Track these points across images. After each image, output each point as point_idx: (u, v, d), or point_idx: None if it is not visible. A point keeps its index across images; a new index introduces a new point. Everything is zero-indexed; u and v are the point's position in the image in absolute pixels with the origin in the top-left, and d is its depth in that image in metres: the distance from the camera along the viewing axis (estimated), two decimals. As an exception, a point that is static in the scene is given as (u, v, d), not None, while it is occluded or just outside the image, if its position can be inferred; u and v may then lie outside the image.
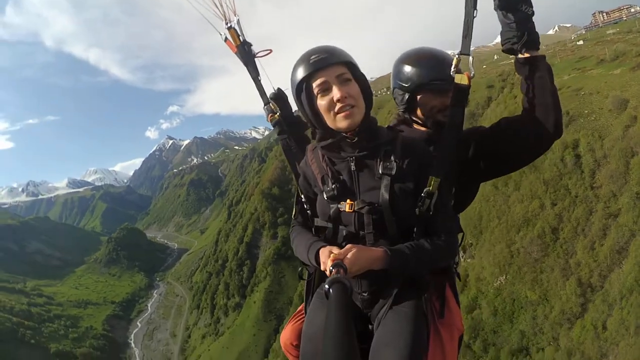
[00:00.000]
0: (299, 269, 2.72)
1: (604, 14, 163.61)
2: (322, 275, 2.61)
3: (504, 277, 47.10)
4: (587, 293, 39.90)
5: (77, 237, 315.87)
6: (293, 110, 3.14)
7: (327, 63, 2.17)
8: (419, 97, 2.86)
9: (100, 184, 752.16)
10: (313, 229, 2.60)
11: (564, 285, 41.65)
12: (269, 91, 3.16)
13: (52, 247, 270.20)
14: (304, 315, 2.70)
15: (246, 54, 2.99)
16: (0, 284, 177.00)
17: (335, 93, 2.17)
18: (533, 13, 2.35)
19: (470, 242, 53.38)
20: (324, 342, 1.20)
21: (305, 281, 2.73)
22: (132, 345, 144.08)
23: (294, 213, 2.78)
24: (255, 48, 3.06)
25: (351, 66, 2.24)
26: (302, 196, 2.65)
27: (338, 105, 2.19)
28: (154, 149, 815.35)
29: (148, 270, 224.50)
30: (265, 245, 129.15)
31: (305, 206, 2.66)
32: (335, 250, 2.08)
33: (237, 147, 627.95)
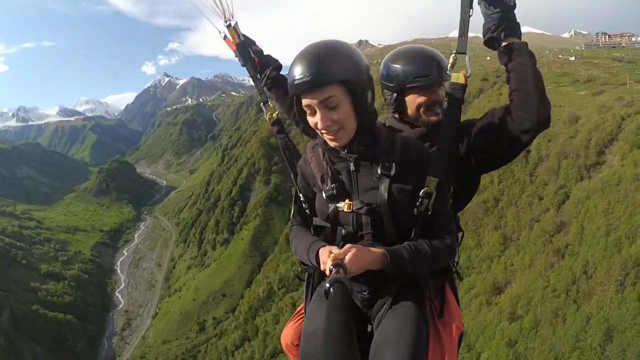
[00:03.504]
0: (298, 269, 2.89)
1: (607, 36, 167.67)
2: (322, 275, 2.67)
3: None
4: (507, 242, 56.81)
5: (67, 166, 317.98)
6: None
7: (310, 87, 2.03)
8: (406, 97, 2.90)
9: (91, 114, 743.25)
10: (312, 229, 2.65)
11: (492, 237, 58.54)
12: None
13: (42, 173, 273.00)
14: (304, 315, 2.79)
15: (245, 53, 3.12)
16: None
17: (318, 121, 2.12)
18: (515, 5, 2.38)
19: None
20: (324, 341, 1.21)
21: (305, 282, 2.84)
22: (118, 271, 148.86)
23: (292, 212, 2.84)
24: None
25: (344, 84, 2.06)
26: (301, 195, 2.70)
27: (322, 131, 2.16)
28: (149, 84, 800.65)
29: (136, 203, 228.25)
30: (258, 189, 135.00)
31: (303, 205, 2.71)
32: (335, 250, 2.06)
33: (234, 93, 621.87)
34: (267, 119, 3.07)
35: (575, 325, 35.88)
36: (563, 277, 42.59)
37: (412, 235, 2.31)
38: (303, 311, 2.83)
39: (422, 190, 2.26)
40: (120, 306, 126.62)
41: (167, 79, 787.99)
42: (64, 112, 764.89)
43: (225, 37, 3.14)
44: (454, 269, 2.91)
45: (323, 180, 2.40)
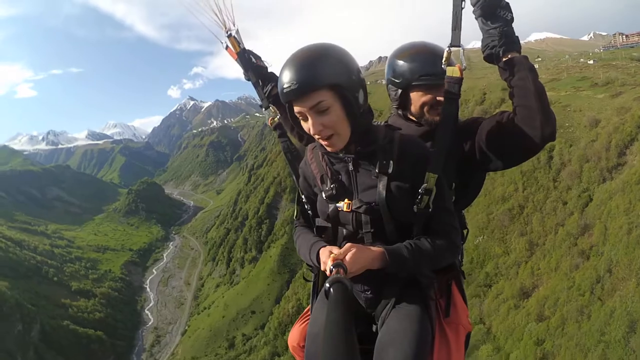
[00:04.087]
0: (304, 270, 2.95)
1: (624, 36, 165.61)
2: (325, 275, 2.39)
3: (482, 237, 63.50)
4: (533, 248, 56.96)
5: (96, 187, 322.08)
6: None
7: (299, 94, 2.03)
8: (411, 93, 2.87)
9: (119, 138, 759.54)
10: (314, 230, 2.68)
11: (518, 243, 58.75)
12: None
13: (72, 194, 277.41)
14: (309, 316, 2.80)
15: (245, 60, 3.14)
16: (22, 225, 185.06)
17: (310, 127, 2.12)
18: (512, 19, 2.38)
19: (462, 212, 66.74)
20: (323, 341, 1.20)
21: (312, 282, 2.87)
22: (148, 289, 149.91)
23: (295, 214, 2.86)
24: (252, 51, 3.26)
25: (334, 88, 2.04)
26: (303, 197, 2.72)
27: (316, 136, 2.16)
28: (175, 108, 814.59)
29: (164, 223, 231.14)
30: (285, 207, 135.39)
31: (306, 206, 2.73)
32: (335, 250, 2.07)
33: (257, 114, 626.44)
34: (269, 124, 3.06)
35: (600, 320, 36.48)
36: (587, 277, 43.09)
37: (413, 233, 2.29)
38: (309, 313, 2.85)
39: (422, 187, 2.23)
40: (150, 323, 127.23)
41: (192, 102, 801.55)
42: (93, 135, 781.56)
43: (227, 47, 3.16)
44: (460, 267, 2.89)
45: (323, 181, 2.41)
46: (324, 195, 2.39)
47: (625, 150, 53.51)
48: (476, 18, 2.45)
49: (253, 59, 3.18)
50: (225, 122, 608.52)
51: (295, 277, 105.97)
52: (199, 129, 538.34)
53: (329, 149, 2.25)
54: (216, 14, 2.99)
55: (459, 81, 2.44)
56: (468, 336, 2.63)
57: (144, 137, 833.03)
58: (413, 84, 2.77)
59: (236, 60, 3.14)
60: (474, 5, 2.40)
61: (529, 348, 40.74)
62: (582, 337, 36.93)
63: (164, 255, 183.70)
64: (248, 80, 3.18)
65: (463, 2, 2.36)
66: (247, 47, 3.20)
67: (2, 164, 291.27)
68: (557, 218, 56.44)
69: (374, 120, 2.43)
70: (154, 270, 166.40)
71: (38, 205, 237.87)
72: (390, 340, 2.13)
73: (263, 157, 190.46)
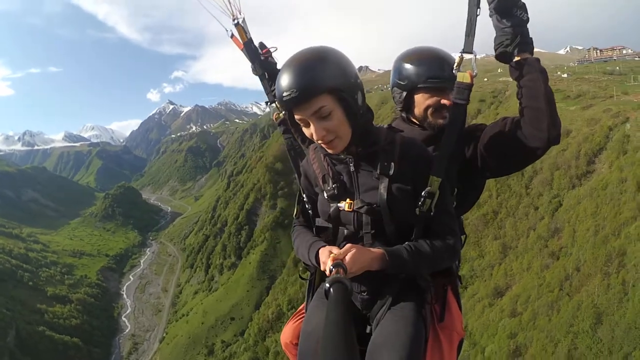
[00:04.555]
0: (300, 268, 2.91)
1: (598, 50, 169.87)
2: (323, 275, 2.69)
3: None
4: (506, 251, 60.26)
5: (72, 191, 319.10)
6: None
7: (299, 102, 2.02)
8: (415, 95, 2.88)
9: (96, 140, 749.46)
10: (314, 229, 2.67)
11: (492, 246, 62.22)
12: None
13: (48, 197, 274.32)
14: (304, 314, 2.82)
15: (252, 51, 3.10)
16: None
17: (312, 132, 2.11)
18: (528, 19, 2.37)
19: None
20: (323, 341, 1.19)
21: (307, 281, 2.85)
22: (125, 296, 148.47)
23: (295, 212, 2.85)
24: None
25: (333, 92, 2.03)
26: (304, 195, 2.73)
27: (318, 141, 2.16)
28: (154, 111, 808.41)
29: (142, 229, 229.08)
30: (265, 213, 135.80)
31: (306, 206, 2.73)
32: (335, 250, 2.07)
33: (237, 120, 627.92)
34: (274, 119, 3.11)
35: (568, 313, 40.34)
36: (557, 275, 46.73)
37: (414, 236, 2.30)
38: (304, 311, 2.89)
39: (425, 190, 2.24)
40: (127, 330, 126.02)
41: (171, 107, 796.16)
42: (70, 137, 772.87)
43: (232, 36, 3.16)
44: (456, 272, 2.92)
45: (325, 181, 2.42)
46: (325, 195, 2.40)
47: (594, 159, 57.73)
48: (491, 15, 2.44)
49: (260, 52, 3.19)
50: (205, 127, 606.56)
51: (275, 283, 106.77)
52: (178, 134, 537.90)
53: (330, 151, 2.25)
54: (224, 1, 3.00)
55: (469, 87, 2.45)
56: (461, 342, 2.65)
57: (121, 140, 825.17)
58: (419, 86, 2.83)
59: (242, 50, 3.16)
60: (490, 3, 2.39)
61: (502, 341, 44.01)
62: (552, 329, 40.48)
63: (141, 261, 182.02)
64: (256, 74, 3.19)
65: (478, 9, 2.37)
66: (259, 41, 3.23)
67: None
68: (529, 222, 60.22)
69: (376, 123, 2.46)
70: (130, 277, 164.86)
71: (13, 207, 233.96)
72: (383, 342, 2.11)
73: (243, 164, 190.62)
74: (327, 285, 1.60)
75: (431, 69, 2.73)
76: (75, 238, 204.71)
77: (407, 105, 2.94)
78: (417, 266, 2.20)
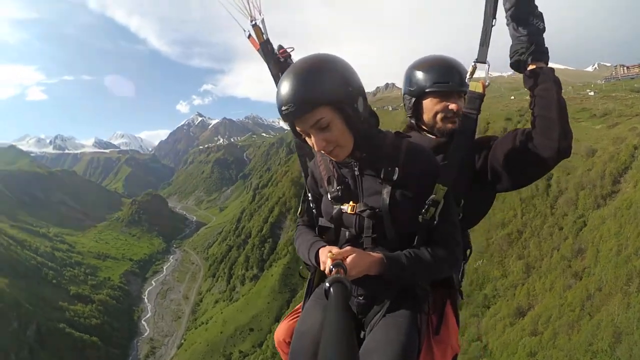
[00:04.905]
0: (300, 267, 2.90)
1: (625, 67, 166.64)
2: (322, 276, 2.69)
3: (481, 261, 65.08)
4: (530, 271, 58.91)
5: (100, 195, 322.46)
6: None
7: (298, 116, 2.03)
8: (424, 101, 2.89)
9: (125, 148, 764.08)
10: (317, 229, 2.67)
11: (516, 266, 60.98)
12: None
13: (76, 200, 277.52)
14: (300, 314, 2.79)
15: (268, 52, 3.09)
16: (25, 225, 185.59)
17: (313, 143, 2.14)
18: (544, 28, 2.36)
19: None
20: (323, 341, 1.17)
21: (307, 280, 2.83)
22: (146, 300, 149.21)
23: (299, 211, 2.87)
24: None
25: (331, 103, 2.02)
26: (309, 195, 2.74)
27: (320, 151, 2.20)
28: (183, 122, 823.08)
29: (166, 236, 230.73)
30: (289, 227, 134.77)
31: (311, 205, 2.74)
32: (335, 250, 2.07)
33: (264, 134, 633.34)
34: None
35: (588, 332, 39.65)
36: (579, 295, 45.92)
37: (415, 243, 2.26)
38: (300, 310, 2.84)
39: (429, 198, 2.21)
40: (146, 334, 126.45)
41: (200, 119, 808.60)
42: (100, 144, 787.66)
43: (249, 36, 3.13)
44: (458, 287, 2.86)
45: (329, 182, 2.42)
46: (329, 197, 2.39)
47: (620, 178, 56.89)
48: (508, 24, 2.41)
49: (277, 52, 3.11)
50: (232, 140, 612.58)
51: (296, 296, 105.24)
52: (206, 146, 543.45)
53: (333, 159, 2.26)
54: (243, 1, 2.98)
55: (480, 97, 2.45)
56: (455, 358, 2.60)
57: (150, 149, 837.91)
58: (426, 90, 2.82)
59: (258, 50, 3.13)
60: (507, 10, 2.37)
61: (522, 359, 43.82)
62: (571, 348, 39.58)
63: (164, 267, 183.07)
64: (271, 74, 3.09)
65: (494, 20, 2.36)
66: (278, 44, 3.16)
67: (9, 164, 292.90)
68: (554, 242, 59.23)
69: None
70: (153, 282, 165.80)
71: (41, 207, 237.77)
72: (374, 348, 2.10)
73: (268, 177, 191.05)
74: (327, 284, 1.59)
75: (439, 74, 2.77)
76: (101, 241, 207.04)
77: (417, 111, 2.96)
78: (416, 273, 2.18)
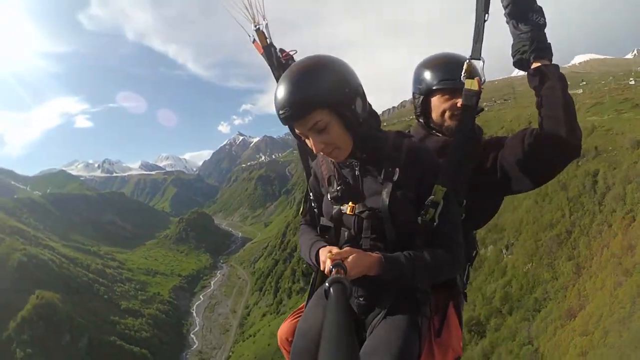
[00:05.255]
0: (303, 266, 3.44)
1: None
2: (324, 275, 2.52)
3: (531, 264, 64.14)
4: (580, 271, 57.06)
5: (148, 215, 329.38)
6: None
7: (295, 119, 2.05)
8: (432, 99, 2.84)
9: (171, 169, 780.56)
10: (319, 228, 2.64)
11: (566, 267, 59.32)
12: None
13: (125, 220, 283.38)
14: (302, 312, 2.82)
15: (272, 55, 3.09)
16: (76, 244, 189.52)
17: (312, 146, 2.12)
18: (545, 23, 2.30)
19: (511, 241, 70.00)
20: (323, 341, 1.15)
21: (311, 278, 2.86)
22: (194, 314, 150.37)
23: (301, 210, 2.85)
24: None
25: (328, 105, 2.03)
26: (311, 194, 2.73)
27: (319, 153, 2.17)
28: (225, 142, 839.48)
29: (213, 252, 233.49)
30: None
31: (313, 204, 2.73)
32: (335, 250, 2.07)
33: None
34: None
35: (638, 327, 38.77)
36: (629, 292, 44.79)
37: (415, 244, 2.21)
38: (303, 309, 2.79)
39: (428, 199, 2.18)
40: (195, 347, 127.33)
41: (241, 138, 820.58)
42: (146, 166, 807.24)
43: (254, 41, 3.12)
44: (462, 289, 2.78)
45: (330, 182, 2.42)
46: (329, 197, 2.39)
47: None
48: (507, 22, 2.38)
49: (280, 56, 3.10)
50: (273, 157, 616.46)
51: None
52: (248, 163, 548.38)
53: (333, 160, 2.28)
54: (246, 7, 2.99)
55: (477, 94, 2.37)
56: None
57: (194, 169, 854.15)
58: (433, 88, 2.77)
59: (262, 54, 3.12)
60: (505, 8, 2.35)
61: (571, 355, 44.21)
62: (622, 345, 38.78)
63: (212, 282, 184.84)
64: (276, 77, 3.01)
65: (486, 15, 2.32)
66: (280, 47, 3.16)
67: (59, 187, 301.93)
68: (603, 240, 57.39)
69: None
70: (201, 297, 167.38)
71: (92, 227, 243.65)
72: (373, 350, 2.10)
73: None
74: (327, 285, 1.58)
75: (445, 71, 2.74)
76: (150, 258, 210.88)
77: (424, 110, 2.92)
78: (415, 275, 2.13)
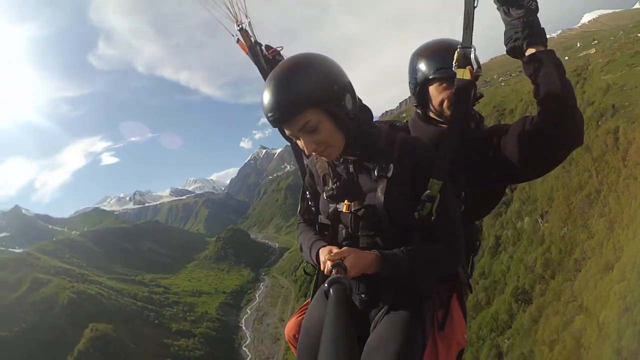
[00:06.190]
0: (304, 264, 2.86)
1: None
2: (325, 274, 2.33)
3: (566, 228, 67.38)
4: (613, 226, 59.58)
5: (185, 238, 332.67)
6: None
7: (284, 121, 2.02)
8: (430, 87, 2.78)
9: (200, 191, 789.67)
10: (317, 226, 2.64)
11: (599, 225, 61.85)
12: None
13: (163, 246, 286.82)
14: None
15: (258, 53, 3.05)
16: (120, 276, 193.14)
17: (303, 147, 2.09)
18: (537, 8, 2.19)
19: (545, 209, 73.19)
20: (322, 341, 1.19)
21: (314, 276, 2.92)
22: (244, 328, 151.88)
23: (299, 209, 2.85)
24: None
25: (317, 104, 1.98)
26: (308, 193, 2.71)
27: (311, 154, 2.14)
28: (249, 158, 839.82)
29: (253, 266, 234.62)
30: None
31: (310, 203, 2.72)
32: (335, 250, 2.06)
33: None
34: None
35: None
36: None
37: (413, 240, 2.21)
38: (308, 305, 2.81)
39: (424, 194, 2.15)
40: (248, 359, 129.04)
41: (264, 151, 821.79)
42: (176, 192, 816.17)
43: (238, 41, 3.12)
44: (467, 280, 2.76)
45: (325, 180, 2.40)
46: (324, 195, 2.39)
47: None
48: (498, 9, 2.29)
49: (266, 53, 3.10)
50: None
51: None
52: (275, 175, 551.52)
53: (326, 159, 2.29)
54: (228, 7, 2.96)
55: (469, 83, 2.33)
56: (461, 353, 2.52)
57: (223, 188, 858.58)
58: (430, 77, 2.70)
59: (247, 54, 3.09)
60: None
61: (613, 305, 46.85)
62: None
63: (256, 295, 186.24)
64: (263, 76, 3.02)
65: (475, 1, 2.26)
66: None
67: (96, 224, 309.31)
68: (631, 194, 59.97)
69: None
70: (248, 310, 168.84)
71: (133, 257, 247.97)
72: (376, 346, 2.10)
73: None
74: (327, 285, 1.60)
75: (442, 59, 2.64)
76: (193, 279, 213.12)
77: (422, 99, 2.85)
78: (413, 271, 2.11)
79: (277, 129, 2.16)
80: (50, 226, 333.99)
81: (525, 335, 60.21)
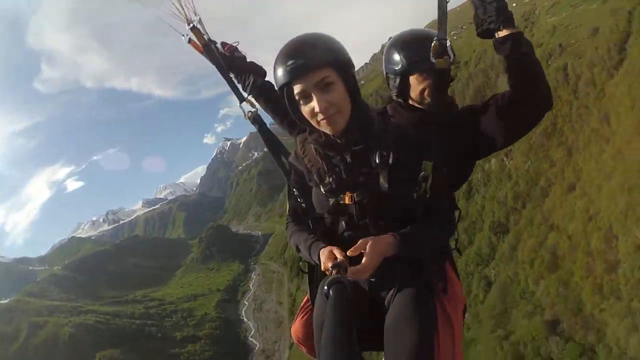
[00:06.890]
0: (300, 262, 2.82)
1: None
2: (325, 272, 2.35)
3: (529, 162, 72.94)
4: (571, 152, 66.48)
5: (167, 246, 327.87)
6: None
7: (304, 71, 2.02)
8: (410, 78, 2.88)
9: (172, 197, 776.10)
10: (310, 222, 2.62)
11: (558, 152, 68.39)
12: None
13: (147, 259, 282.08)
14: (309, 307, 2.87)
15: (213, 52, 2.98)
16: (112, 300, 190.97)
17: (315, 105, 2.08)
18: None
19: (509, 148, 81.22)
20: (323, 342, 1.21)
21: (308, 274, 2.84)
22: (245, 320, 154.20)
23: (287, 208, 2.80)
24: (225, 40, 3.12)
25: (335, 65, 2.08)
26: (294, 190, 2.65)
27: (320, 115, 2.11)
28: (215, 152, 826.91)
29: (241, 258, 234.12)
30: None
31: (299, 200, 2.64)
32: (336, 250, 2.08)
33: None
34: (247, 119, 2.96)
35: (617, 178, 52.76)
36: (609, 151, 57.14)
37: (415, 219, 2.31)
38: (309, 303, 2.93)
39: (420, 175, 2.27)
40: (257, 348, 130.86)
41: (229, 143, 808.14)
42: (148, 202, 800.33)
43: (190, 41, 3.02)
44: (455, 246, 2.97)
45: (320, 175, 2.39)
46: (322, 190, 2.38)
47: (624, 46, 61.86)
48: None
49: (222, 50, 3.08)
50: (265, 150, 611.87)
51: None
52: (244, 164, 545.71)
53: (329, 129, 2.22)
54: (175, 5, 2.86)
55: (446, 72, 2.49)
56: (465, 308, 2.74)
57: (194, 188, 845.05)
58: (411, 69, 2.86)
59: (202, 53, 3.03)
60: None
61: (578, 217, 56.24)
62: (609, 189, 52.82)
63: (250, 285, 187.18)
64: (222, 75, 3.06)
65: None
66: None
67: (75, 254, 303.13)
68: (583, 121, 65.66)
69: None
70: (245, 302, 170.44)
71: (119, 278, 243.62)
72: (396, 325, 2.17)
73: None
74: (326, 287, 1.61)
75: (420, 50, 2.69)
76: (185, 285, 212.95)
77: (402, 89, 2.99)
78: (425, 246, 2.27)
79: (284, 89, 2.17)
80: (30, 267, 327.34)
81: (507, 261, 65.98)
